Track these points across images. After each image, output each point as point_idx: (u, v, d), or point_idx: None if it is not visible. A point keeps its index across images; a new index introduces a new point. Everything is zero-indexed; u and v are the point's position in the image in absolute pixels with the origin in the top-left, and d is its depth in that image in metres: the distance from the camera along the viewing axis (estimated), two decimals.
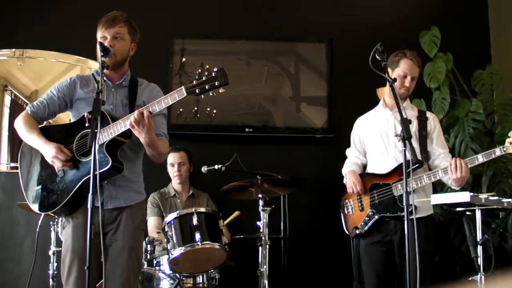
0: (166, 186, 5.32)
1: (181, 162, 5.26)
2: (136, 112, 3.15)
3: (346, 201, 4.34)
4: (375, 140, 4.30)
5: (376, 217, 4.12)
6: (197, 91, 3.11)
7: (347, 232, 4.31)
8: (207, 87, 3.10)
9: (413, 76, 4.19)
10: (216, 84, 3.09)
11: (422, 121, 4.24)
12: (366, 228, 4.15)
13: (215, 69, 3.12)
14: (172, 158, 5.26)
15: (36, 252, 4.62)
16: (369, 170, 4.37)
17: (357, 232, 4.19)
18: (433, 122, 4.26)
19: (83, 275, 2.94)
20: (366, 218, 4.16)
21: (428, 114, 4.34)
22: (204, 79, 3.11)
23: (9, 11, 5.83)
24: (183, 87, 3.13)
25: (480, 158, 3.93)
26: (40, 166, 3.43)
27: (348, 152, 4.54)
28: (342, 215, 4.36)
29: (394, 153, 4.15)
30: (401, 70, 4.17)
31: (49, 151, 3.28)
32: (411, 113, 4.23)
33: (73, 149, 3.32)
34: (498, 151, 3.90)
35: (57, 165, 3.29)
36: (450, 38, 5.64)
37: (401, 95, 4.18)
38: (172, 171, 5.26)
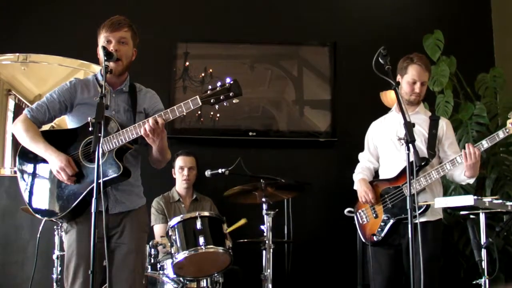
0: (167, 190, 5.32)
1: (191, 167, 5.28)
2: (151, 121, 3.14)
3: (359, 211, 4.33)
4: (387, 145, 4.29)
5: (392, 221, 4.10)
6: (212, 101, 3.13)
7: (365, 242, 4.29)
8: (221, 97, 3.13)
9: (422, 82, 4.18)
10: (231, 94, 3.13)
11: (434, 120, 4.24)
12: (383, 234, 4.13)
13: (229, 80, 3.14)
14: (183, 162, 5.27)
15: (37, 256, 4.62)
16: (381, 174, 4.37)
17: (375, 239, 4.17)
18: (445, 127, 4.24)
19: (89, 279, 2.94)
20: (382, 224, 4.15)
21: (442, 118, 4.34)
22: (218, 89, 3.13)
23: (12, 16, 5.84)
24: (197, 96, 3.14)
25: (485, 144, 3.95)
26: (43, 172, 3.40)
27: (360, 156, 4.53)
28: (357, 225, 4.34)
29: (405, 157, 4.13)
30: (409, 77, 4.17)
31: (57, 162, 3.24)
32: (423, 117, 4.22)
33: (79, 155, 3.30)
34: (501, 134, 3.92)
35: (62, 177, 3.25)
36: (454, 42, 5.64)
37: (413, 101, 4.19)
38: (181, 175, 5.25)
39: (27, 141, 3.35)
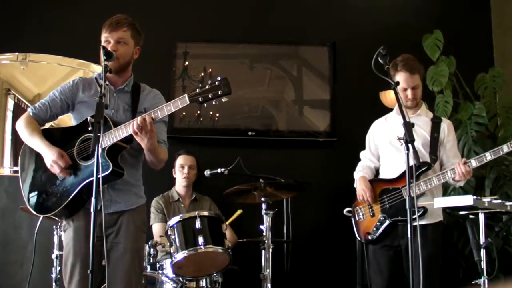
0: (167, 190, 5.32)
1: (192, 165, 5.28)
2: (138, 119, 3.14)
3: (357, 208, 4.33)
4: (387, 145, 4.28)
5: (388, 221, 4.10)
6: (200, 99, 3.09)
7: (359, 239, 4.30)
8: (210, 96, 3.07)
9: (413, 86, 4.12)
10: (219, 93, 3.06)
11: (436, 123, 4.22)
12: (378, 233, 4.14)
13: (219, 78, 3.09)
14: (183, 160, 5.28)
15: (35, 255, 4.60)
16: (382, 174, 4.36)
17: (369, 238, 4.17)
18: (446, 129, 4.22)
19: (86, 278, 2.95)
20: (378, 224, 4.15)
21: (444, 119, 4.33)
22: (207, 87, 3.08)
23: (12, 15, 5.85)
24: (186, 95, 3.11)
25: (488, 156, 3.92)
26: (40, 169, 3.41)
27: (362, 154, 4.52)
28: (353, 222, 4.34)
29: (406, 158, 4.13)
30: (399, 84, 4.12)
31: (50, 155, 3.28)
32: (425, 119, 4.21)
33: (74, 152, 3.32)
34: (505, 148, 3.89)
35: (55, 170, 3.28)
36: (453, 41, 5.64)
37: (410, 106, 4.16)
38: (181, 173, 5.25)
39: (26, 136, 3.39)
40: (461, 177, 3.93)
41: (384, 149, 4.33)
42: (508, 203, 3.62)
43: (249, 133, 5.75)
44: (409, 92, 4.12)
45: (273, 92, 5.99)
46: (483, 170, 5.20)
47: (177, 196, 5.26)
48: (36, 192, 3.40)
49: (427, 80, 5.40)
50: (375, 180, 4.33)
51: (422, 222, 3.91)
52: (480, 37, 6.20)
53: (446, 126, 4.24)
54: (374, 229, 4.16)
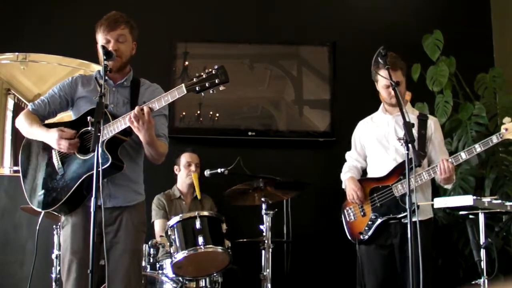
0: (168, 188, 5.33)
1: (197, 163, 5.29)
2: (136, 108, 3.12)
3: (347, 208, 4.33)
4: (375, 144, 4.29)
5: (379, 220, 4.11)
6: (197, 88, 3.07)
7: (351, 240, 4.29)
8: (207, 85, 3.06)
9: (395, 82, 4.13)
10: (216, 81, 3.05)
11: (422, 120, 4.23)
12: (370, 232, 4.14)
13: (216, 67, 3.08)
14: (190, 158, 5.29)
15: (36, 252, 4.57)
16: (369, 173, 4.37)
17: (362, 237, 4.18)
18: (433, 126, 4.24)
19: (83, 276, 2.95)
20: (369, 223, 4.16)
21: (430, 117, 4.33)
22: (204, 76, 3.07)
23: (12, 15, 5.85)
24: (183, 84, 3.10)
25: (478, 148, 3.94)
26: (40, 164, 3.42)
27: (347, 155, 4.53)
28: (344, 223, 4.35)
29: (395, 157, 4.14)
30: (382, 81, 4.12)
31: (52, 135, 3.27)
32: (411, 116, 4.21)
33: None
34: (494, 139, 3.92)
35: (64, 146, 3.25)
36: (453, 42, 5.64)
37: (394, 103, 4.14)
38: (187, 170, 5.26)
39: (26, 128, 3.40)
40: (441, 173, 3.93)
41: (371, 148, 4.34)
42: (508, 203, 3.62)
43: (249, 133, 5.76)
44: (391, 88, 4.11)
45: (273, 92, 5.99)
46: (483, 170, 5.20)
47: (179, 194, 5.26)
48: (36, 188, 3.40)
49: (427, 80, 5.41)
50: (364, 180, 4.34)
51: (413, 219, 3.91)
52: (480, 37, 6.19)
53: (432, 123, 4.26)
54: (366, 228, 4.17)
